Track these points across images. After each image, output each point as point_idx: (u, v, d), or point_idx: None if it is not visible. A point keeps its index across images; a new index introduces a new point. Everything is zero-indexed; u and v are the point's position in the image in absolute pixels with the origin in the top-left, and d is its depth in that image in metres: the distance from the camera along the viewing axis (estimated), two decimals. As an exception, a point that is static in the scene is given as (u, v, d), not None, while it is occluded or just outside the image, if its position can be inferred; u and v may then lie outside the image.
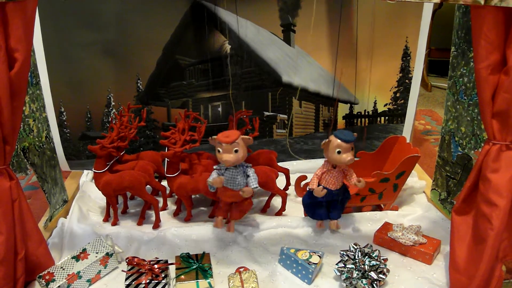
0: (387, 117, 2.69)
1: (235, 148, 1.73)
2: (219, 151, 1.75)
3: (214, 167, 1.84)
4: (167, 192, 2.32)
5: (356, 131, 1.91)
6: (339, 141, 1.78)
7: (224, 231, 2.00)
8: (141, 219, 2.15)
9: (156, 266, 1.72)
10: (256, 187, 1.83)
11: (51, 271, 1.69)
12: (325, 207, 1.97)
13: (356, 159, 2.36)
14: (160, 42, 2.42)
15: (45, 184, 2.04)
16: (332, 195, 1.92)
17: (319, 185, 1.91)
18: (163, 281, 1.66)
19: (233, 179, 1.82)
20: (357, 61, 2.50)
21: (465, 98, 1.93)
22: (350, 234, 2.04)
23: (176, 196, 2.26)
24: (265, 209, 2.25)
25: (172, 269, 1.77)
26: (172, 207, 2.31)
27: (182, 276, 1.70)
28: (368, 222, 2.10)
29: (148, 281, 1.65)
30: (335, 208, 1.98)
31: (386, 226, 1.99)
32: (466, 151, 1.97)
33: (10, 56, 1.38)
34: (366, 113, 2.70)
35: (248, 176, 1.84)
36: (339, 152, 1.79)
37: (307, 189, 1.98)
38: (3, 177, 1.51)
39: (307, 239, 2.00)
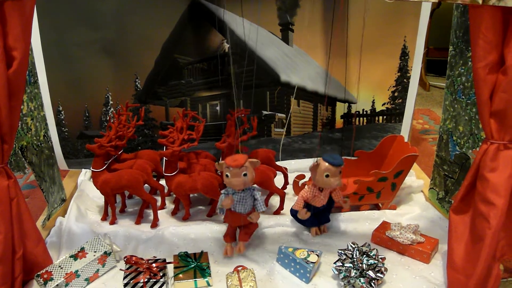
0: (385, 116, 2.70)
1: (244, 172, 1.69)
2: (227, 175, 1.69)
3: (222, 191, 1.79)
4: (165, 191, 2.32)
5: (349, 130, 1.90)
6: (327, 164, 1.76)
7: (222, 230, 2.00)
8: (139, 218, 2.15)
9: (154, 265, 1.72)
10: (264, 210, 1.81)
11: (49, 270, 1.69)
12: (312, 216, 1.95)
13: (354, 158, 2.38)
14: (159, 41, 2.42)
15: (43, 183, 2.04)
16: (319, 209, 1.92)
17: (305, 205, 1.90)
18: (161, 280, 1.67)
19: (242, 203, 1.77)
20: (355, 60, 2.50)
21: (463, 97, 1.93)
22: (348, 233, 2.04)
23: (174, 195, 2.26)
24: (263, 208, 2.25)
25: (170, 268, 1.77)
26: (170, 206, 2.31)
27: (180, 275, 1.71)
28: (366, 221, 2.11)
29: (146, 280, 1.65)
30: (323, 216, 1.99)
31: (384, 225, 2.00)
32: (464, 150, 1.98)
33: (8, 55, 1.38)
34: (364, 112, 2.70)
35: (255, 199, 1.80)
36: (327, 176, 1.77)
37: (291, 208, 1.97)
38: (1, 176, 1.51)
39: (305, 238, 2.01)
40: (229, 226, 1.90)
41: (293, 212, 1.99)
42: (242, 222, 1.84)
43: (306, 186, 1.92)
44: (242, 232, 1.88)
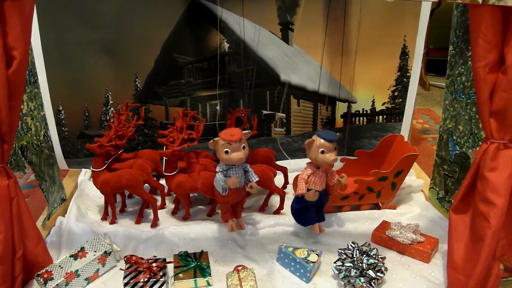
0: (385, 116, 2.69)
1: (243, 145, 1.70)
2: (227, 152, 1.68)
3: (217, 170, 1.79)
4: (165, 190, 2.32)
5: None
6: (322, 140, 1.74)
7: (222, 230, 2.00)
8: (139, 218, 2.15)
9: (154, 264, 1.72)
10: (258, 180, 1.83)
11: (49, 270, 1.69)
12: (314, 210, 1.94)
13: (354, 158, 2.38)
14: (159, 40, 2.41)
15: (43, 183, 2.03)
16: (321, 196, 1.90)
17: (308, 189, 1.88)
18: (161, 279, 1.67)
19: (238, 177, 1.78)
20: (355, 60, 2.51)
21: (463, 97, 1.93)
22: (348, 232, 2.04)
23: (174, 195, 2.26)
24: (263, 208, 2.25)
25: (170, 268, 1.77)
26: (170, 205, 2.31)
27: (180, 275, 1.71)
28: (366, 220, 2.11)
29: (146, 279, 1.65)
30: (321, 211, 1.97)
31: (384, 225, 2.00)
32: (464, 149, 1.98)
33: (8, 55, 1.38)
34: (364, 112, 2.70)
35: (247, 171, 1.82)
36: (322, 152, 1.76)
37: (295, 196, 1.95)
38: (1, 176, 1.51)
39: (305, 237, 2.01)
40: (225, 205, 1.90)
41: (294, 207, 1.97)
42: (240, 196, 1.87)
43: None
44: (238, 210, 1.93)
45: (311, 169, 1.85)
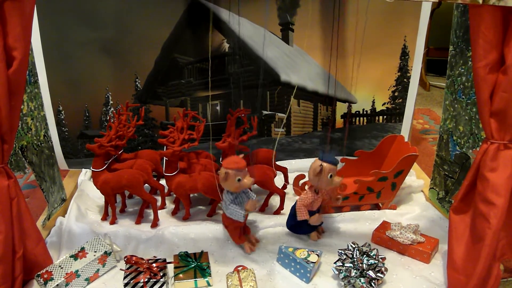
0: (385, 116, 2.69)
1: (246, 169, 1.74)
2: (239, 180, 1.71)
3: (228, 202, 1.80)
4: (166, 191, 2.32)
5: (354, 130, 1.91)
6: (329, 165, 1.77)
7: (222, 230, 2.00)
8: (139, 218, 2.15)
9: (154, 264, 1.72)
10: (255, 197, 1.87)
11: (49, 270, 1.69)
12: (307, 222, 1.94)
13: (354, 158, 2.38)
14: (159, 40, 2.41)
15: (43, 183, 2.03)
16: (313, 213, 1.91)
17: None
18: (161, 279, 1.67)
19: (246, 199, 1.82)
20: (355, 60, 2.51)
21: (463, 97, 1.93)
22: (348, 233, 2.04)
23: (174, 195, 2.26)
24: (263, 208, 2.25)
25: (170, 268, 1.77)
26: (170, 206, 2.31)
27: (181, 275, 1.71)
28: (366, 221, 2.11)
29: (146, 279, 1.65)
30: None
31: (384, 225, 2.00)
32: (464, 150, 1.98)
33: (8, 55, 1.38)
34: (365, 112, 2.70)
35: (245, 192, 1.83)
36: (331, 176, 1.79)
37: (289, 213, 1.97)
38: (1, 176, 1.51)
39: (305, 238, 2.01)
40: (236, 228, 1.89)
41: (290, 224, 1.98)
42: (247, 216, 1.90)
43: (304, 189, 1.91)
44: (246, 227, 1.94)
45: (312, 197, 1.87)
